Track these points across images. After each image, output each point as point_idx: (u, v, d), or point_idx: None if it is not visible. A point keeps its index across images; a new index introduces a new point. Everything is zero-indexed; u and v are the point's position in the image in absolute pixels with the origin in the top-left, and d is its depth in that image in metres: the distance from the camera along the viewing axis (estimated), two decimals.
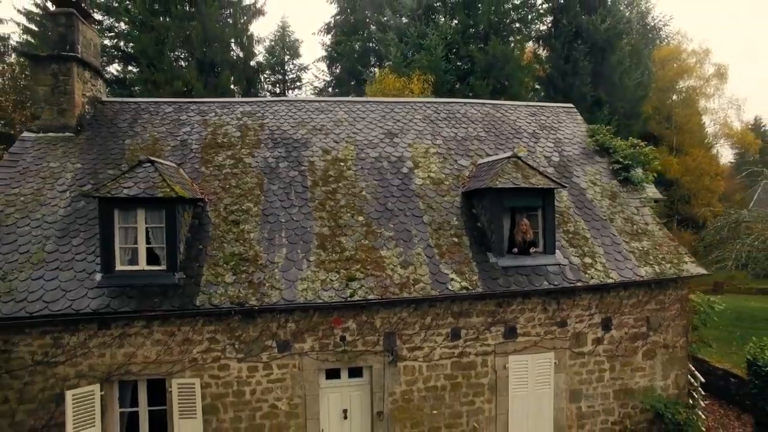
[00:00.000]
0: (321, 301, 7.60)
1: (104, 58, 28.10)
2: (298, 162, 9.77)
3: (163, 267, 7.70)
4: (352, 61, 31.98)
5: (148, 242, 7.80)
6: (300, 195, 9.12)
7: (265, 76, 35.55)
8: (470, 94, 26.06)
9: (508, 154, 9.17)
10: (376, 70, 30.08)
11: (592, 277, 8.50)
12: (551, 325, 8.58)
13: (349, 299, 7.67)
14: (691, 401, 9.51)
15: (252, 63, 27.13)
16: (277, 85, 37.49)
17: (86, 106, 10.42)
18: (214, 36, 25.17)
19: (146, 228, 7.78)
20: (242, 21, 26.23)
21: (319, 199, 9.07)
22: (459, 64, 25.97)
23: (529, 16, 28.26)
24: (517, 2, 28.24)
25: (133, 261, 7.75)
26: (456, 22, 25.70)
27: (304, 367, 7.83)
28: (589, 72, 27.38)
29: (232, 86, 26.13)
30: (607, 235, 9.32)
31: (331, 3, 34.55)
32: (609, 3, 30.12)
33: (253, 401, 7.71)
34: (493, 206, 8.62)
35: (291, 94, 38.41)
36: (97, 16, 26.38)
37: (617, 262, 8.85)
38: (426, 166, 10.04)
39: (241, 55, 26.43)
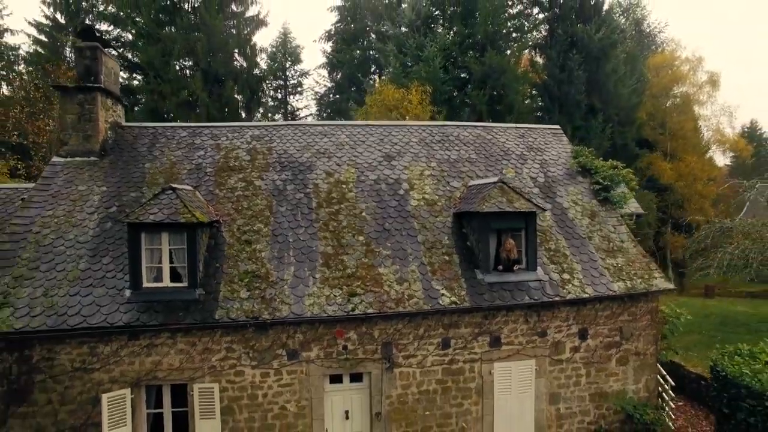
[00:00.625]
0: (326, 315, 8.63)
1: None
2: (303, 184, 10.79)
3: (185, 284, 8.74)
4: (352, 68, 32.95)
5: (171, 262, 8.83)
6: (306, 216, 10.15)
7: (268, 82, 36.50)
8: (468, 101, 27.08)
9: (495, 179, 10.19)
10: (376, 77, 31.03)
11: (569, 292, 9.53)
12: (532, 335, 9.62)
13: (350, 313, 8.70)
14: (661, 401, 10.55)
15: (255, 72, 28.11)
16: (279, 91, 38.48)
17: (108, 132, 11.44)
18: (219, 47, 26.14)
19: (169, 249, 8.81)
20: (246, 32, 27.21)
21: (323, 220, 10.10)
22: (457, 72, 26.91)
23: (526, 26, 29.18)
24: (514, 12, 29.18)
25: (158, 278, 8.79)
26: (454, 32, 26.65)
27: (310, 373, 8.88)
28: (583, 81, 28.28)
29: (236, 95, 27.14)
30: (585, 252, 10.35)
31: (331, 11, 35.55)
32: (604, 12, 31.02)
33: (265, 403, 8.76)
34: (480, 227, 9.65)
35: (292, 99, 39.34)
36: (104, 27, 27.39)
37: (593, 278, 9.88)
38: (421, 187, 11.06)
39: (244, 64, 27.43)
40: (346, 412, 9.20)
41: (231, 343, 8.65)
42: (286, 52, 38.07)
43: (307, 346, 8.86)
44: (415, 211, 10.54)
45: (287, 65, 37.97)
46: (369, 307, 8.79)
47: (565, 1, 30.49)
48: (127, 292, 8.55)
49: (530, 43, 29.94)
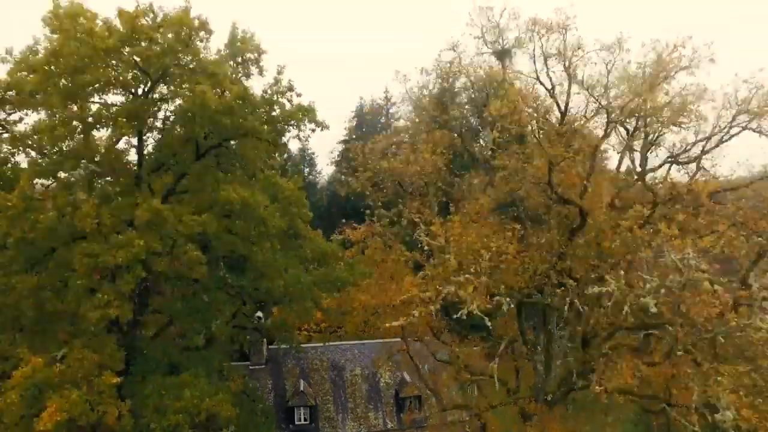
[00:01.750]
0: None
1: None
2: (342, 378, 32.88)
3: (309, 422, 31.18)
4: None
5: (303, 414, 31.17)
6: (345, 394, 32.39)
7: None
8: None
9: (409, 378, 32.30)
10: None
11: None
12: None
13: None
14: None
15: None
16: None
17: (265, 352, 33.17)
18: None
19: (302, 412, 31.14)
20: None
21: (350, 395, 32.33)
22: None
23: None
24: None
25: (299, 420, 31.19)
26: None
27: None
28: None
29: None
30: None
31: (344, 133, 54.65)
32: None
33: None
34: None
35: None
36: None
37: None
38: (385, 377, 33.09)
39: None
40: None
41: None
42: (304, 156, 57.63)
43: None
44: (382, 389, 32.73)
45: (305, 169, 57.68)
46: (367, 430, 31.30)
47: None
48: (291, 426, 30.99)
49: None
